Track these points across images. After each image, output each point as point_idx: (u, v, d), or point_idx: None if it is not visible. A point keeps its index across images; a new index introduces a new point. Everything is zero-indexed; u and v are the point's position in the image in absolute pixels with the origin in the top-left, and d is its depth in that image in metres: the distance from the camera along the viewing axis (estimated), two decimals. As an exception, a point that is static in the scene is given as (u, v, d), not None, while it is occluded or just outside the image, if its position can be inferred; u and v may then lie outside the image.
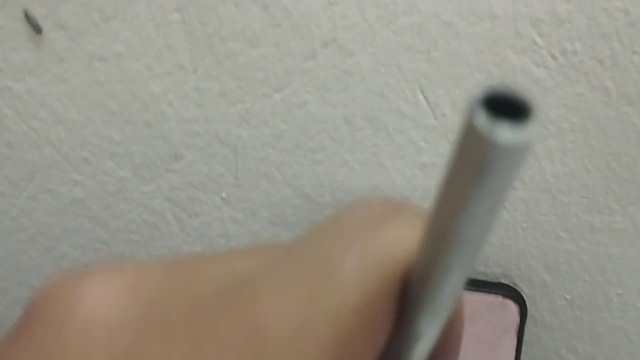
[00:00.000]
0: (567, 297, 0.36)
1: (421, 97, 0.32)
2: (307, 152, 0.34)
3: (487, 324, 0.35)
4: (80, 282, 0.13)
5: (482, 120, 0.10)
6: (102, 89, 0.34)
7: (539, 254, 0.35)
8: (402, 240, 0.14)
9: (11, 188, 0.38)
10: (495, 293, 0.35)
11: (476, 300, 0.35)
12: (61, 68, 0.33)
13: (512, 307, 0.35)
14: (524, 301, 0.36)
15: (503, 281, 0.36)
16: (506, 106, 0.11)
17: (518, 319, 0.35)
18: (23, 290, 0.41)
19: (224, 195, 0.36)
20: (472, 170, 0.11)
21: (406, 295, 0.14)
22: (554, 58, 0.30)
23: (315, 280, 0.13)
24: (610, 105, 0.31)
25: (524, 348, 0.38)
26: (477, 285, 0.36)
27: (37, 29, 0.32)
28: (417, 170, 0.34)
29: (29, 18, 0.32)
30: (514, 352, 0.36)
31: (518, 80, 0.31)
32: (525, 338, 0.37)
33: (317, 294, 0.12)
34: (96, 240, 0.39)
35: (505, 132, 0.10)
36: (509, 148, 0.10)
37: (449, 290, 0.13)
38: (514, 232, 0.35)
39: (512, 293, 0.35)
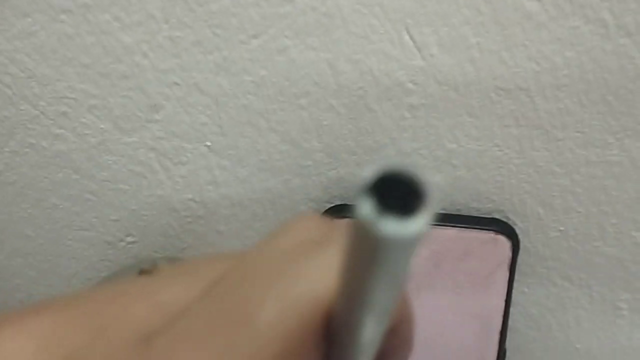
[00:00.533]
0: (561, 228, 0.36)
1: (407, 37, 0.30)
2: (290, 97, 0.33)
3: (479, 260, 0.35)
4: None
5: (368, 211, 0.09)
6: (71, 42, 0.32)
7: (532, 189, 0.35)
8: (323, 281, 0.13)
9: (-8, 144, 0.37)
10: (488, 229, 0.35)
11: (469, 237, 0.35)
12: (26, 22, 0.32)
13: (505, 243, 0.35)
14: (517, 236, 0.35)
15: (496, 216, 0.36)
16: (398, 189, 0.09)
17: (510, 254, 0.35)
18: (19, 240, 0.41)
19: (208, 143, 0.35)
20: (364, 256, 0.10)
21: (330, 329, 0.13)
22: (547, -9, 0.28)
23: (232, 329, 0.12)
24: (607, 38, 0.29)
25: (518, 278, 0.38)
26: (469, 221, 0.35)
27: (-5, -17, 0.30)
28: (405, 112, 0.33)
29: (-16, -29, 0.30)
30: (506, 286, 0.36)
31: (509, 14, 0.29)
32: (519, 268, 0.38)
33: (234, 345, 0.12)
34: (84, 191, 0.38)
35: (391, 225, 0.09)
36: (395, 241, 0.09)
37: (368, 335, 0.13)
38: (507, 169, 0.34)
39: (504, 228, 0.35)
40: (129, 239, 0.40)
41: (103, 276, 0.43)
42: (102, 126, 0.35)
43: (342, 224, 0.13)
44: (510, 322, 0.41)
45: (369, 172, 0.09)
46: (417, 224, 0.09)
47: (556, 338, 0.41)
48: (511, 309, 0.40)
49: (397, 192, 0.09)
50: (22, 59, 0.33)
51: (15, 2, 0.31)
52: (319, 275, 0.13)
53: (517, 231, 0.36)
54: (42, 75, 0.34)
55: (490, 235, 0.35)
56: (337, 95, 0.33)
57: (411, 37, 0.30)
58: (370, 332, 0.13)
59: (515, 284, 0.39)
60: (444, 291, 0.36)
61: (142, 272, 0.18)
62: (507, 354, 0.42)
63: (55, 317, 0.13)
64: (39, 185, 0.38)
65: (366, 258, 0.10)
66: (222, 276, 0.14)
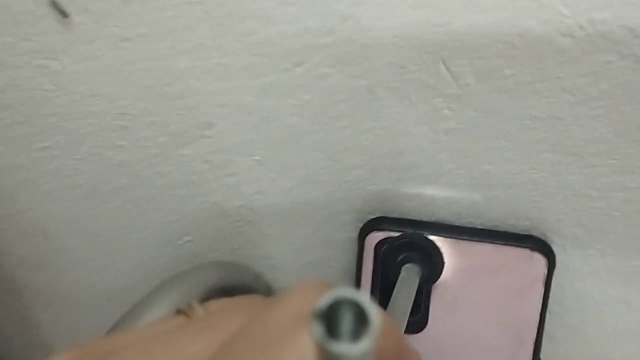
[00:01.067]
0: (598, 247, 0.37)
1: (443, 68, 0.31)
2: (332, 119, 0.35)
3: (515, 274, 0.36)
4: None
5: (318, 334, 0.11)
6: (131, 66, 0.35)
7: (569, 210, 0.35)
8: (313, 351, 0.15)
9: (63, 152, 0.40)
10: (524, 246, 0.36)
11: (505, 253, 0.36)
12: (91, 48, 0.35)
13: (541, 260, 0.36)
14: (553, 253, 0.36)
15: (533, 233, 0.37)
16: (348, 313, 0.11)
17: (546, 271, 0.36)
18: (89, 234, 0.45)
19: (257, 157, 0.37)
20: None
21: None
22: (581, 27, 0.29)
23: None
24: (641, 72, 0.29)
25: (556, 291, 0.39)
26: (506, 238, 0.37)
27: (64, 14, 0.33)
28: (443, 135, 0.34)
29: (54, 4, 0.33)
30: (541, 300, 0.37)
31: (543, 49, 0.30)
32: (557, 282, 0.39)
33: None
34: (145, 195, 0.41)
35: (338, 347, 0.11)
36: (345, 358, 0.11)
37: None
38: (544, 190, 0.35)
39: (540, 245, 0.36)
40: (186, 237, 0.43)
41: (162, 270, 0.46)
42: (160, 140, 0.38)
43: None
44: (549, 330, 0.42)
45: (322, 300, 0.11)
46: (362, 346, 0.11)
47: (594, 348, 0.42)
48: (550, 319, 0.41)
49: (347, 317, 0.11)
50: (88, 79, 0.36)
51: (80, 29, 0.34)
52: (308, 344, 0.15)
53: (554, 248, 0.37)
54: (106, 94, 0.37)
55: (526, 252, 0.36)
56: (377, 119, 0.34)
57: (447, 68, 0.31)
58: None
59: (553, 296, 0.40)
60: (479, 304, 0.37)
61: (178, 312, 0.20)
62: (546, 360, 0.43)
63: None
64: (104, 189, 0.42)
65: None
66: (233, 337, 0.16)
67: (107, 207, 0.43)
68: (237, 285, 0.38)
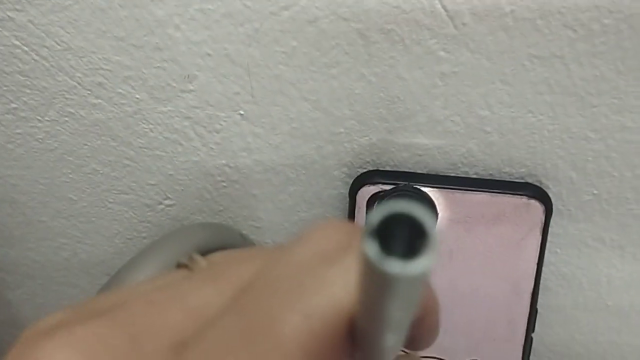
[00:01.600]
0: (595, 192, 0.36)
1: (439, 6, 0.30)
2: (321, 67, 0.33)
3: (512, 224, 0.36)
4: (44, 348, 0.14)
5: (373, 252, 0.10)
6: (105, 16, 0.33)
7: (565, 154, 0.35)
8: (343, 290, 0.14)
9: (33, 113, 0.38)
10: (520, 194, 0.35)
11: (501, 202, 0.35)
12: (59, -4, 0.32)
13: (538, 207, 0.35)
14: (549, 200, 0.35)
15: (529, 180, 0.36)
16: (403, 229, 0.10)
17: (543, 218, 0.35)
18: (62, 202, 0.43)
19: (242, 112, 0.36)
20: (374, 287, 0.11)
21: (354, 334, 0.14)
22: (585, -42, 0.27)
23: (258, 343, 0.13)
24: (646, 4, 0.28)
25: (550, 239, 0.38)
26: (501, 186, 0.36)
27: (28, -41, 0.31)
28: (437, 80, 0.33)
29: (16, -53, 0.30)
30: (538, 249, 0.36)
31: (544, -18, 0.28)
32: (552, 230, 0.38)
33: (261, 358, 0.13)
34: (123, 157, 0.39)
35: (395, 266, 0.10)
36: (401, 279, 0.10)
37: (388, 343, 0.13)
38: (540, 134, 0.34)
39: (537, 193, 0.35)
40: (167, 202, 0.41)
41: (143, 236, 0.44)
42: (137, 96, 0.36)
43: (361, 230, 0.14)
44: (542, 281, 0.41)
45: (374, 214, 0.10)
46: (420, 264, 0.10)
47: (587, 296, 0.42)
48: (544, 269, 0.40)
49: (402, 233, 0.10)
50: (58, 32, 0.34)
51: (48, -23, 0.32)
52: (339, 284, 0.14)
53: (550, 195, 0.36)
54: (78, 48, 0.34)
55: (523, 200, 0.35)
56: (368, 65, 0.33)
57: (443, 7, 0.30)
58: (389, 341, 0.13)
59: (547, 245, 0.39)
60: (476, 255, 0.37)
61: (179, 265, 0.19)
62: (540, 311, 0.43)
63: (97, 329, 0.14)
64: (79, 152, 0.39)
65: (376, 288, 0.11)
66: (248, 284, 0.15)
67: (81, 172, 0.41)
68: (224, 246, 0.36)
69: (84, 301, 0.16)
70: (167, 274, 0.18)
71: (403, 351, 0.19)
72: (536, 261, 0.36)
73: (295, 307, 0.13)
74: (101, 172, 0.40)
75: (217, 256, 0.19)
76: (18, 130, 0.39)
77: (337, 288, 0.14)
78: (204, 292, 0.15)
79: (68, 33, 0.33)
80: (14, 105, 0.37)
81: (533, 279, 0.37)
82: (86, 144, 0.39)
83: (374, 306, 0.12)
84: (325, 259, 0.14)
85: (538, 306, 0.43)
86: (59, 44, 0.34)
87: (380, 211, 0.10)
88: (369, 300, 0.12)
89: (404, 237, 0.10)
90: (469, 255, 0.37)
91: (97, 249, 0.46)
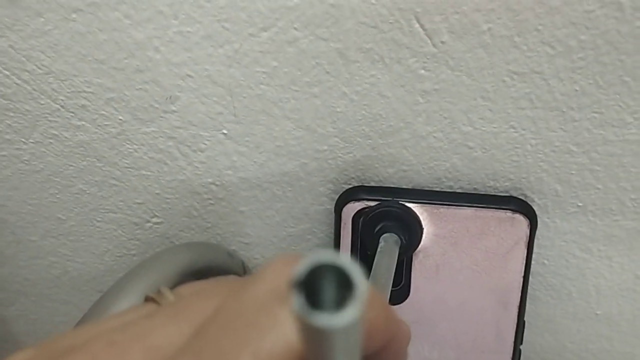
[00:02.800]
0: (580, 204, 0.36)
1: (417, 25, 0.30)
2: (303, 86, 0.33)
3: (497, 238, 0.36)
4: None
5: (298, 306, 0.10)
6: (84, 40, 0.33)
7: (549, 167, 0.35)
8: (295, 328, 0.14)
9: (17, 135, 0.38)
10: (505, 209, 0.35)
11: (485, 216, 0.35)
12: (39, 22, 0.32)
13: (522, 221, 0.35)
14: (534, 214, 0.35)
15: (513, 194, 0.36)
16: (330, 281, 0.10)
17: (528, 232, 0.35)
18: (51, 222, 0.43)
19: (225, 131, 0.36)
20: (310, 339, 0.11)
21: None
22: (560, -24, 0.27)
23: None
24: (623, 20, 0.28)
25: (537, 251, 0.38)
26: (485, 201, 0.36)
27: (6, -14, 0.31)
28: (419, 97, 0.33)
29: (-6, -25, 0.30)
30: (524, 262, 0.36)
31: (521, 0, 0.28)
32: (539, 242, 0.38)
33: None
34: (109, 177, 0.39)
35: (321, 318, 0.09)
36: (328, 331, 0.10)
37: None
38: (523, 149, 0.34)
39: (521, 207, 0.35)
40: (155, 220, 0.41)
41: (133, 253, 0.44)
42: (120, 117, 0.36)
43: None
44: (531, 291, 0.41)
45: (300, 266, 0.10)
46: (346, 315, 0.10)
47: (577, 305, 0.42)
48: (532, 279, 0.41)
49: (329, 285, 0.10)
50: (38, 57, 0.34)
51: (27, 3, 0.32)
52: (290, 322, 0.14)
53: (535, 208, 0.36)
54: (59, 71, 0.34)
55: (507, 214, 0.35)
56: (349, 83, 0.33)
57: (421, 25, 0.30)
58: None
59: (535, 256, 0.39)
60: (462, 269, 0.37)
61: (147, 299, 0.19)
62: (530, 321, 0.43)
63: None
64: (65, 172, 0.39)
65: (311, 339, 0.11)
66: (206, 322, 0.15)
67: (68, 193, 0.41)
68: (210, 266, 0.36)
69: (48, 340, 0.16)
70: (133, 309, 0.18)
71: None
72: (522, 274, 0.37)
73: (246, 347, 0.13)
74: (88, 192, 0.40)
75: (185, 288, 0.19)
76: (3, 153, 0.39)
77: (288, 327, 0.14)
78: (165, 330, 0.15)
79: (49, 57, 0.34)
80: (-2, 129, 0.37)
81: (519, 292, 0.37)
82: (72, 165, 0.39)
83: (315, 355, 0.12)
84: (278, 296, 0.14)
85: (528, 316, 0.43)
86: (40, 68, 0.34)
87: (307, 263, 0.10)
88: (308, 349, 0.12)
89: (331, 288, 0.10)
90: (455, 269, 0.37)
91: (88, 266, 0.46)
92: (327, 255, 0.10)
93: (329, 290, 0.10)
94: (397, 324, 0.17)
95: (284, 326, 0.14)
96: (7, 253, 0.46)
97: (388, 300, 0.38)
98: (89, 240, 0.44)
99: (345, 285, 0.10)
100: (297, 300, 0.10)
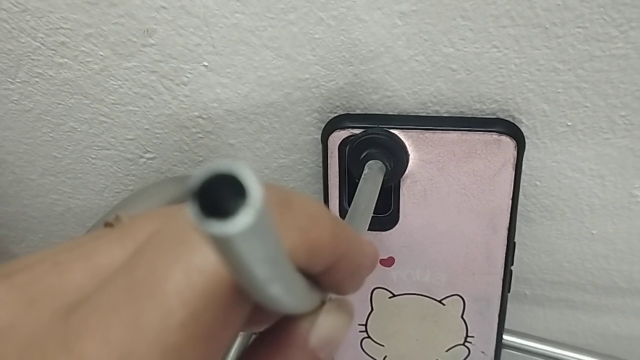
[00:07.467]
0: (569, 123, 0.35)
1: (389, -57, 0.29)
2: (278, 13, 0.32)
3: (483, 161, 0.35)
4: None
5: (194, 214, 0.10)
6: (55, -25, 0.32)
7: (535, 87, 0.34)
8: None
9: (4, 75, 0.38)
10: (491, 131, 0.35)
11: (471, 140, 0.35)
12: (8, -42, 0.32)
13: (509, 143, 0.35)
14: (522, 135, 0.35)
15: (500, 116, 0.36)
16: (225, 189, 0.10)
17: (515, 153, 0.35)
18: (48, 160, 0.43)
19: (206, 63, 0.35)
20: (216, 249, 0.11)
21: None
22: None
23: (141, 300, 0.13)
24: None
25: (529, 172, 0.38)
26: (471, 124, 0.35)
27: None
28: (397, 19, 0.32)
29: None
30: (512, 184, 0.36)
31: None
32: (530, 163, 0.38)
33: (143, 316, 0.13)
34: (97, 114, 0.39)
35: (213, 226, 0.10)
36: (224, 238, 0.10)
37: (276, 292, 0.13)
38: (508, 69, 0.33)
39: (508, 128, 0.35)
40: (148, 155, 0.42)
41: (130, 189, 0.45)
42: (101, 53, 0.36)
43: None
44: (525, 213, 0.41)
45: (195, 176, 0.10)
46: (239, 222, 0.10)
47: (571, 225, 0.42)
48: (525, 201, 0.40)
49: (223, 193, 0.10)
50: (13, -6, 0.33)
51: (-6, -61, 0.31)
52: None
53: (524, 129, 0.36)
54: (35, 8, 0.34)
55: (494, 136, 0.35)
56: (325, 8, 0.32)
57: (393, -56, 0.29)
58: (274, 291, 0.13)
59: (527, 178, 0.39)
60: (450, 193, 0.37)
61: (107, 224, 0.19)
62: (526, 242, 0.43)
63: None
64: (55, 111, 0.40)
65: (216, 249, 0.11)
66: (144, 241, 0.15)
67: (60, 131, 0.41)
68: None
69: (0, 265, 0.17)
70: (86, 234, 0.18)
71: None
72: (511, 196, 0.36)
73: (177, 264, 0.13)
74: (79, 129, 0.41)
75: (141, 214, 0.20)
76: (-8, 94, 0.39)
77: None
78: (110, 250, 0.16)
79: (23, -6, 0.33)
80: (-17, 70, 0.37)
81: (509, 214, 0.37)
82: (60, 103, 0.39)
83: (230, 268, 0.12)
84: None
85: (524, 238, 0.43)
86: (16, 6, 0.34)
87: (201, 172, 0.10)
88: (222, 262, 0.12)
89: (228, 198, 0.10)
90: (443, 193, 0.37)
91: (89, 203, 0.47)
92: (222, 165, 0.10)
93: (226, 200, 0.10)
94: (349, 242, 0.17)
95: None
96: (10, 192, 0.47)
97: (377, 226, 0.38)
98: (86, 177, 0.45)
99: (240, 194, 0.10)
100: (191, 209, 0.10)
